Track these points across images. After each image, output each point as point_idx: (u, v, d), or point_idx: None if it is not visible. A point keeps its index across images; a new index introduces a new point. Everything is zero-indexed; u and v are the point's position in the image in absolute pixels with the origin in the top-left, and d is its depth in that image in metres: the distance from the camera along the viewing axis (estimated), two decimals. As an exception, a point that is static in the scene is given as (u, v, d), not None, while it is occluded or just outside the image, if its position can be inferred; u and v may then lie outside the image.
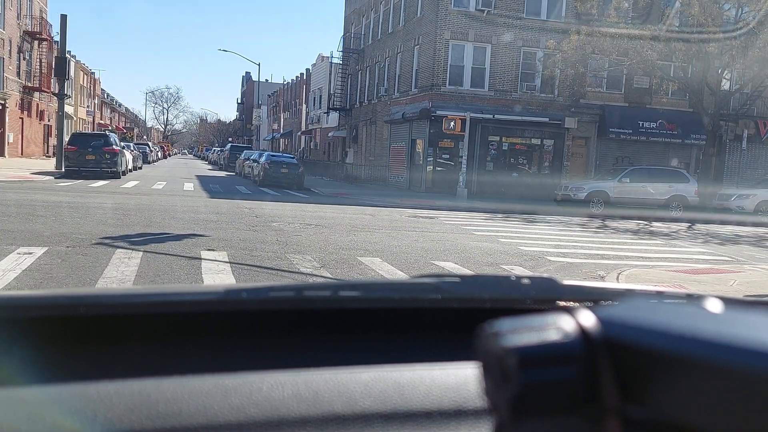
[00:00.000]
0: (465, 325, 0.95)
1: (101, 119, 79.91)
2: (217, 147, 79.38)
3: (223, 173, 39.44)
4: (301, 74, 64.06)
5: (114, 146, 25.13)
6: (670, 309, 0.62)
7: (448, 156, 27.99)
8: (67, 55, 34.46)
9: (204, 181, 27.77)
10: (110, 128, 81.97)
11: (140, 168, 36.87)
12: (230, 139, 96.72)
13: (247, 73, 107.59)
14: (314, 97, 53.60)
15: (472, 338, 0.66)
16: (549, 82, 27.94)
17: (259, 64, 50.81)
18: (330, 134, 44.91)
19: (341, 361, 0.88)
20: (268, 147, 68.32)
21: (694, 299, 0.92)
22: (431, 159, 27.81)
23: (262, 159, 28.16)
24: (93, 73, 72.65)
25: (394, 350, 0.98)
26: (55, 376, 0.81)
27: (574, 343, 0.57)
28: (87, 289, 5.16)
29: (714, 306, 0.61)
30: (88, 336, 0.95)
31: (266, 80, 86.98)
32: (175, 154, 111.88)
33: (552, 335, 0.58)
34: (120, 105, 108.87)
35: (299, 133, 60.82)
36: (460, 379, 0.83)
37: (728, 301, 0.75)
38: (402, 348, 1.00)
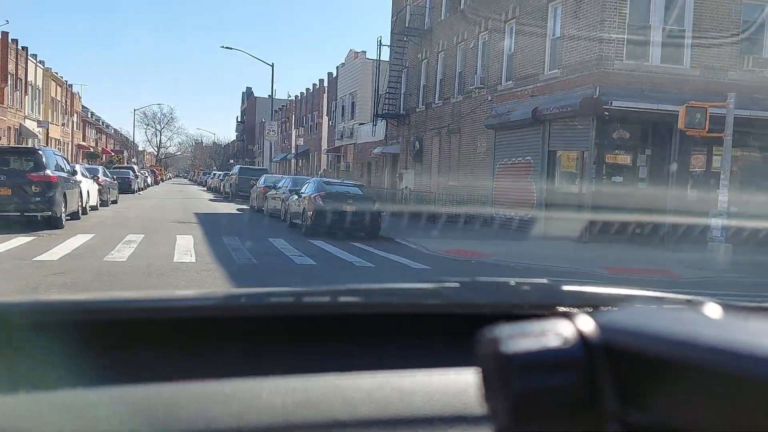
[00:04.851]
0: (465, 331, 0.91)
1: (83, 140, 68.45)
2: (216, 170, 67.85)
3: (232, 207, 27.90)
4: (320, 81, 52.86)
5: (48, 171, 13.66)
6: (669, 314, 0.62)
7: (621, 178, 16.72)
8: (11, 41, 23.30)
9: (210, 228, 16.31)
10: (93, 150, 70.80)
11: (114, 202, 25.37)
12: (231, 161, 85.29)
13: (247, 88, 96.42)
14: (342, 105, 42.35)
15: (471, 344, 0.65)
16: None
17: (272, 65, 39.44)
18: (375, 150, 33.44)
19: (341, 367, 0.87)
20: (275, 169, 56.84)
21: (694, 305, 0.86)
22: (594, 182, 16.47)
23: (309, 190, 16.66)
24: (70, 86, 61.34)
25: (394, 356, 0.95)
26: (54, 382, 0.80)
27: (574, 349, 0.57)
28: (86, 294, 4.37)
29: (713, 312, 0.61)
30: (87, 342, 0.91)
31: (268, 96, 75.74)
32: (169, 178, 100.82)
33: (551, 341, 0.58)
34: (108, 126, 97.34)
35: (322, 152, 49.49)
36: (459, 384, 0.82)
37: (727, 307, 0.73)
38: (402, 354, 0.97)
